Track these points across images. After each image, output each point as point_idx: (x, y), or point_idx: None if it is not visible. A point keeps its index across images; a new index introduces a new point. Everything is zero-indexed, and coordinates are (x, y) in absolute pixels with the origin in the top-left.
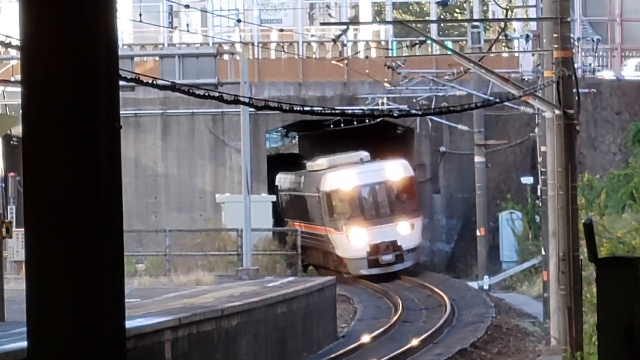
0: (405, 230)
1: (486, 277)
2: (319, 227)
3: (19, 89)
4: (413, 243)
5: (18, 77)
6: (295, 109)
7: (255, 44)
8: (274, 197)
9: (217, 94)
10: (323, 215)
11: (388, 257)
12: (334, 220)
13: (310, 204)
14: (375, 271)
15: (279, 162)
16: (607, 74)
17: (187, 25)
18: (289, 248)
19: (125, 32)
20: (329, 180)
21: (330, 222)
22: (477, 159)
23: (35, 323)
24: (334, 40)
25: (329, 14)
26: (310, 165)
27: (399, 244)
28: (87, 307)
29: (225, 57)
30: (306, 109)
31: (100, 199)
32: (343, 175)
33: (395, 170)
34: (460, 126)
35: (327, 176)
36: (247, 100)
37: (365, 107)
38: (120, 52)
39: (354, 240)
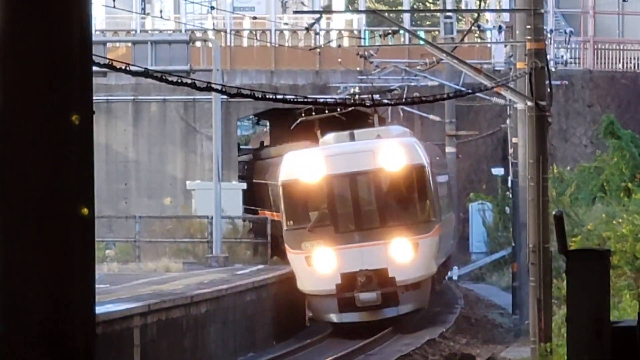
0: (403, 254)
1: (455, 267)
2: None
3: None
4: (415, 274)
5: None
6: (267, 96)
7: (228, 31)
8: (244, 185)
9: (189, 81)
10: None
11: (369, 296)
12: (289, 231)
13: (274, 192)
14: (349, 318)
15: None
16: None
17: (160, 11)
18: (259, 236)
19: (98, 17)
20: (286, 165)
21: (285, 233)
22: (448, 149)
23: (4, 308)
24: (307, 29)
25: (302, 3)
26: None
27: (390, 274)
28: (57, 292)
29: (198, 44)
30: (278, 97)
31: (71, 185)
32: (306, 157)
33: (393, 154)
34: (431, 116)
35: (286, 159)
36: (219, 87)
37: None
38: (93, 38)
39: (317, 266)
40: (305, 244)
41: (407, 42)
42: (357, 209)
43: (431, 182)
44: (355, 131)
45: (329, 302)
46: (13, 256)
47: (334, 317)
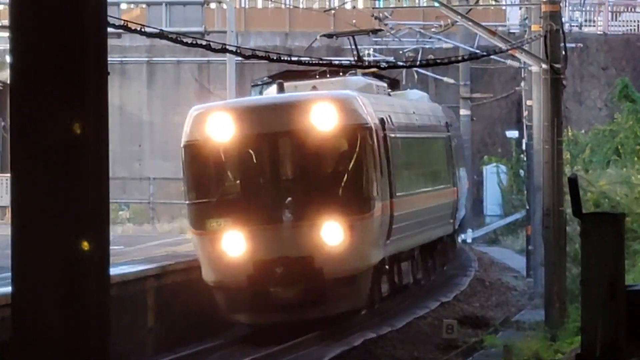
0: (335, 239)
1: (470, 230)
2: None
3: (5, 34)
4: (350, 265)
5: (5, 22)
6: (282, 58)
7: None
8: None
9: (204, 43)
10: None
11: (289, 292)
12: (191, 205)
13: None
14: (263, 318)
15: None
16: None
17: None
18: None
19: None
20: (190, 123)
21: (188, 208)
22: (463, 112)
23: (20, 269)
24: None
25: None
26: None
27: (316, 265)
28: (72, 253)
29: (212, 5)
30: (293, 59)
31: (87, 146)
32: (214, 113)
33: (324, 110)
34: (446, 79)
35: (190, 115)
36: (234, 49)
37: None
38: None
39: (224, 251)
40: (211, 223)
41: (421, 4)
42: (275, 179)
43: (379, 149)
44: (299, 82)
45: (238, 297)
46: (27, 218)
47: (243, 317)
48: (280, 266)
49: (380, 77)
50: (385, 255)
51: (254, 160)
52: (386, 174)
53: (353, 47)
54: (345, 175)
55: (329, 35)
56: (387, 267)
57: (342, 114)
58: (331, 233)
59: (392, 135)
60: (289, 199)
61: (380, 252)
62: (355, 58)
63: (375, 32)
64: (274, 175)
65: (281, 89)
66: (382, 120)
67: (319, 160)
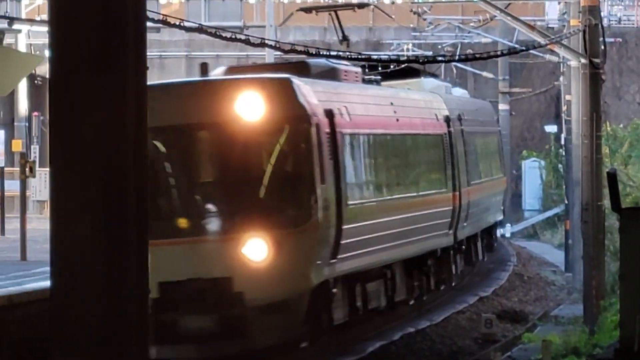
0: (259, 257)
1: (508, 225)
2: None
3: (43, 29)
4: (277, 289)
5: (44, 16)
6: (321, 53)
7: None
8: None
9: (243, 37)
10: None
11: (201, 320)
12: None
13: None
14: (167, 353)
15: None
16: None
17: None
18: None
19: None
20: None
21: None
22: (502, 106)
23: (59, 263)
24: None
25: None
26: None
27: (235, 288)
28: (112, 246)
29: (252, 0)
30: (332, 53)
31: (127, 140)
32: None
33: (250, 98)
34: (485, 74)
35: None
36: (273, 43)
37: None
38: None
39: None
40: None
41: None
42: (187, 183)
43: (322, 147)
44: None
45: None
46: (66, 212)
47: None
48: (191, 290)
49: (417, 72)
50: (330, 276)
51: (161, 160)
52: (333, 177)
53: (337, 25)
54: (275, 179)
55: (308, 10)
56: (337, 289)
57: (273, 102)
58: (254, 249)
59: (356, 131)
60: (205, 207)
61: (323, 272)
62: (341, 37)
63: (362, 7)
64: (187, 178)
65: (204, 72)
66: (329, 112)
67: (244, 159)
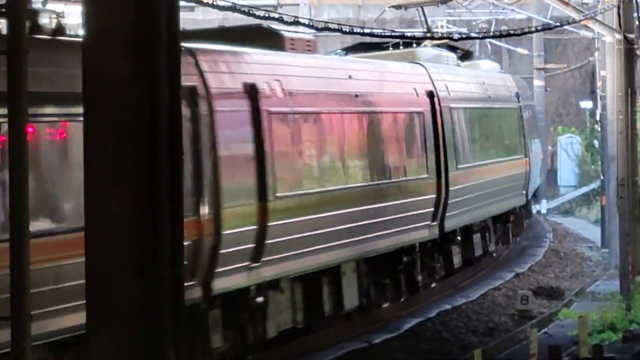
0: None
1: (544, 201)
2: None
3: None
4: None
5: None
6: (355, 31)
7: None
8: None
9: (277, 16)
10: None
11: None
12: None
13: None
14: None
15: None
16: None
17: None
18: None
19: None
20: None
21: None
22: (537, 82)
23: (92, 244)
24: None
25: None
26: None
27: None
28: (145, 226)
29: None
30: (366, 31)
31: (160, 120)
32: None
33: None
34: (519, 50)
35: None
36: (307, 21)
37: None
38: None
39: None
40: None
41: None
42: None
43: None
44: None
45: None
46: (102, 194)
47: None
48: None
49: (453, 49)
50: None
51: None
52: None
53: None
54: None
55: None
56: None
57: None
58: None
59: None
60: None
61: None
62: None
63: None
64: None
65: None
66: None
67: None
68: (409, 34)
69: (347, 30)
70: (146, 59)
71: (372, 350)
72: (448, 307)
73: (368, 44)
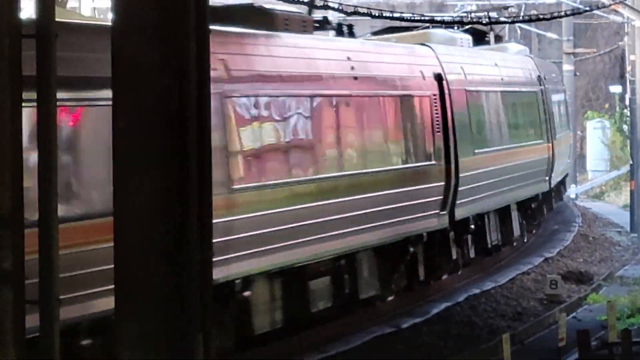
0: None
1: (573, 185)
2: None
3: None
4: None
5: None
6: (384, 15)
7: None
8: None
9: (306, 0)
10: None
11: None
12: None
13: None
14: None
15: None
16: None
17: None
18: None
19: None
20: None
21: None
22: (566, 67)
23: (120, 228)
24: None
25: None
26: None
27: None
28: (172, 211)
29: None
30: (395, 15)
31: (188, 105)
32: None
33: None
34: (549, 34)
35: None
36: (336, 5)
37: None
38: None
39: None
40: None
41: None
42: None
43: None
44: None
45: None
46: (130, 178)
47: None
48: None
49: (481, 33)
50: None
51: None
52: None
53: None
54: None
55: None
56: None
57: None
58: None
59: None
60: None
61: None
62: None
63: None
64: None
65: None
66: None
67: None
68: (438, 18)
69: (377, 15)
70: (174, 44)
71: (400, 334)
72: (477, 291)
73: (397, 29)
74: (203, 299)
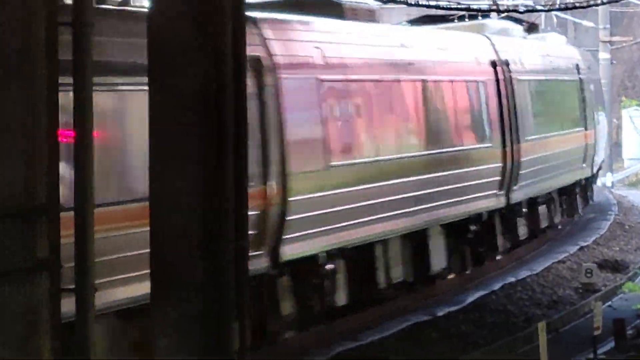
0: None
1: (609, 174)
2: None
3: None
4: None
5: None
6: (420, 3)
7: None
8: None
9: None
10: None
11: None
12: None
13: None
14: None
15: None
16: None
17: None
18: None
19: None
20: None
21: None
22: (602, 55)
23: (157, 219)
24: None
25: None
26: None
27: None
28: (209, 200)
29: None
30: (431, 3)
31: (225, 94)
32: None
33: None
34: (585, 22)
35: None
36: None
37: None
38: None
39: None
40: None
41: None
42: None
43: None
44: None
45: None
46: (167, 167)
47: None
48: None
49: (518, 22)
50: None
51: None
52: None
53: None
54: None
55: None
56: None
57: None
58: None
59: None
60: None
61: None
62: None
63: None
64: None
65: None
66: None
67: None
68: (474, 7)
69: (413, 3)
70: (211, 30)
71: (436, 322)
72: (512, 280)
73: (433, 17)
74: (239, 287)
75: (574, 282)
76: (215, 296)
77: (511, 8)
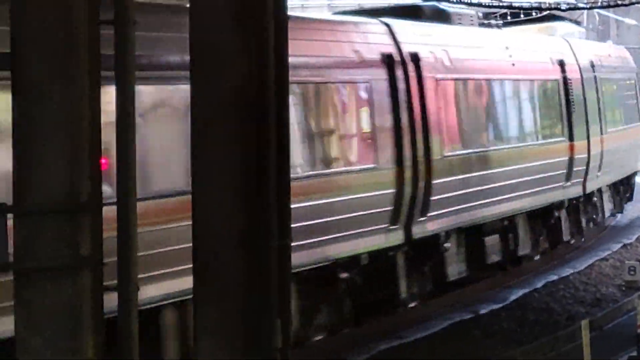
0: None
1: None
2: None
3: None
4: None
5: None
6: (460, 0)
7: None
8: None
9: None
10: None
11: None
12: None
13: None
14: None
15: None
16: None
17: None
18: None
19: None
20: None
21: None
22: None
23: (199, 220)
24: None
25: None
26: None
27: None
28: (251, 201)
29: None
30: (473, 1)
31: (267, 94)
32: None
33: None
34: (627, 20)
35: None
36: None
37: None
38: None
39: None
40: None
41: None
42: None
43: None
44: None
45: None
46: (209, 169)
47: None
48: None
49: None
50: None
51: None
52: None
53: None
54: None
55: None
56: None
57: None
58: None
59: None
60: None
61: None
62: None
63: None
64: None
65: None
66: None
67: None
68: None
69: (455, 1)
70: (253, 29)
71: (479, 320)
72: (555, 277)
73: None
74: (281, 286)
75: (617, 280)
76: (258, 295)
77: (553, 6)
